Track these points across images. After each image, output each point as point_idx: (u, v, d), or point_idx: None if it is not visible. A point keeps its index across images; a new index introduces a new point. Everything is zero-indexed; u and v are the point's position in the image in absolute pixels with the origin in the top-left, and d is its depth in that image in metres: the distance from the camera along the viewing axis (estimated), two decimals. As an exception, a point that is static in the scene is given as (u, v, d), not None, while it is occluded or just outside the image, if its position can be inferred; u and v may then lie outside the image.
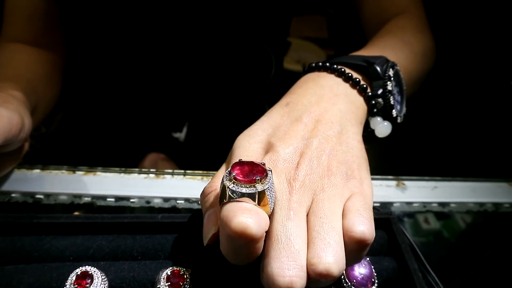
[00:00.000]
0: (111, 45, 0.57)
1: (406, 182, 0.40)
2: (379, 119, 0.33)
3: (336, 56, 0.35)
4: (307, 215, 0.25)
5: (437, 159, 0.69)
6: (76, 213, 0.36)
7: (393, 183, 0.40)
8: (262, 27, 0.57)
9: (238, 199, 0.23)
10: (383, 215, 0.33)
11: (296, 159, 0.26)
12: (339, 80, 0.32)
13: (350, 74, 0.32)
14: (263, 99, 0.54)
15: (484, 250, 0.44)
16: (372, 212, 0.25)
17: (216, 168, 0.48)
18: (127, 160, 0.66)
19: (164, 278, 0.27)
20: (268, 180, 0.24)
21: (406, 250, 0.31)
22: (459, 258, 0.43)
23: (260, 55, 0.60)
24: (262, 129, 0.29)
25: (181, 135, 0.70)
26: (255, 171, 0.24)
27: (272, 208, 0.24)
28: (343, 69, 0.32)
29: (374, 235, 0.24)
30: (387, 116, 0.34)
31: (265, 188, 0.23)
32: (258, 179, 0.23)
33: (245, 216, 0.21)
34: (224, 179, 0.24)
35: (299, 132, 0.28)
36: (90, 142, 0.69)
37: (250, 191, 0.23)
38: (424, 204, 0.39)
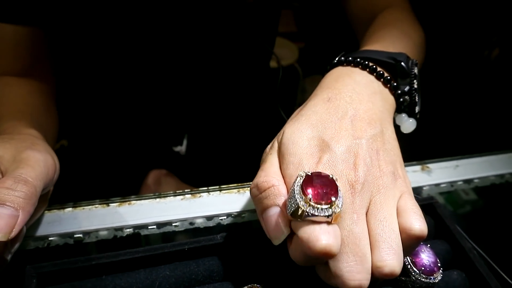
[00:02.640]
0: (106, 59, 0.55)
1: (429, 165, 0.42)
2: (404, 116, 0.35)
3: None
4: (366, 214, 0.26)
5: (448, 138, 0.72)
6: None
7: (418, 168, 0.42)
8: (261, 31, 0.57)
9: (314, 219, 0.24)
10: (426, 201, 0.34)
11: (351, 160, 0.27)
12: (372, 78, 0.33)
13: (381, 72, 0.33)
14: (275, 102, 0.55)
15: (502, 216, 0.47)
16: (420, 210, 0.27)
17: (225, 179, 0.48)
18: (130, 179, 0.64)
19: (243, 298, 0.27)
20: (340, 197, 0.24)
21: (457, 231, 0.32)
22: (484, 229, 0.46)
23: (263, 57, 0.60)
24: (311, 124, 0.29)
25: (182, 148, 0.69)
26: (329, 192, 0.24)
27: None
28: (374, 66, 0.33)
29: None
30: (410, 113, 0.35)
31: (340, 207, 0.24)
32: (334, 201, 0.24)
33: (327, 239, 0.23)
34: (299, 199, 0.24)
35: (349, 130, 0.29)
36: (90, 162, 0.66)
37: (328, 213, 0.24)
38: (451, 183, 0.40)
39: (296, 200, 0.24)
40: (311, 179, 0.24)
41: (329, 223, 0.24)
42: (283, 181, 0.27)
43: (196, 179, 0.68)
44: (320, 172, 0.25)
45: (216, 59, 0.58)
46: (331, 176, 0.25)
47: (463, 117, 0.76)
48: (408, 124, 0.35)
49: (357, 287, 0.24)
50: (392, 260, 0.24)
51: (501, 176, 0.41)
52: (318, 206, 0.23)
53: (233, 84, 0.64)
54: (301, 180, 0.25)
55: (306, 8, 1.32)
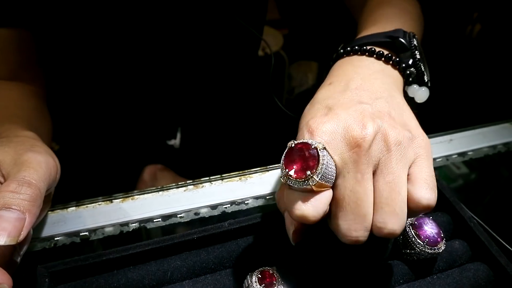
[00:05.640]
0: (95, 54, 0.54)
1: (424, 141, 0.43)
2: (415, 86, 0.35)
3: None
4: (373, 173, 0.26)
5: (439, 113, 0.73)
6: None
7: (414, 144, 0.42)
8: (250, 19, 0.57)
9: (294, 189, 0.25)
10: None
11: (359, 118, 0.27)
12: (372, 59, 0.33)
13: (380, 52, 0.33)
14: (267, 90, 0.55)
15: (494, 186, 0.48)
16: (435, 178, 0.27)
17: (220, 169, 0.48)
18: (126, 175, 0.64)
19: (256, 282, 0.27)
20: (321, 165, 0.24)
21: (456, 202, 0.33)
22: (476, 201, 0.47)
23: (252, 46, 0.60)
24: (315, 103, 0.30)
25: (176, 142, 0.69)
26: (306, 164, 0.25)
27: (332, 182, 0.25)
28: (372, 49, 0.33)
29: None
30: (420, 83, 0.35)
31: (318, 178, 0.24)
32: (309, 175, 0.24)
33: (303, 206, 0.24)
34: (281, 176, 0.25)
35: (354, 98, 0.29)
36: (83, 162, 0.66)
37: (305, 186, 0.24)
38: (447, 157, 0.41)
39: (281, 171, 0.25)
40: (291, 157, 0.25)
41: (311, 191, 0.24)
42: None
43: (191, 171, 0.68)
44: (303, 143, 0.25)
45: (206, 49, 0.57)
46: (314, 146, 0.25)
47: (452, 93, 0.77)
48: (421, 93, 0.35)
49: (353, 243, 0.25)
50: (393, 224, 0.24)
51: (494, 147, 0.42)
52: (295, 179, 0.24)
53: (223, 74, 0.63)
54: (285, 153, 0.25)
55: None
